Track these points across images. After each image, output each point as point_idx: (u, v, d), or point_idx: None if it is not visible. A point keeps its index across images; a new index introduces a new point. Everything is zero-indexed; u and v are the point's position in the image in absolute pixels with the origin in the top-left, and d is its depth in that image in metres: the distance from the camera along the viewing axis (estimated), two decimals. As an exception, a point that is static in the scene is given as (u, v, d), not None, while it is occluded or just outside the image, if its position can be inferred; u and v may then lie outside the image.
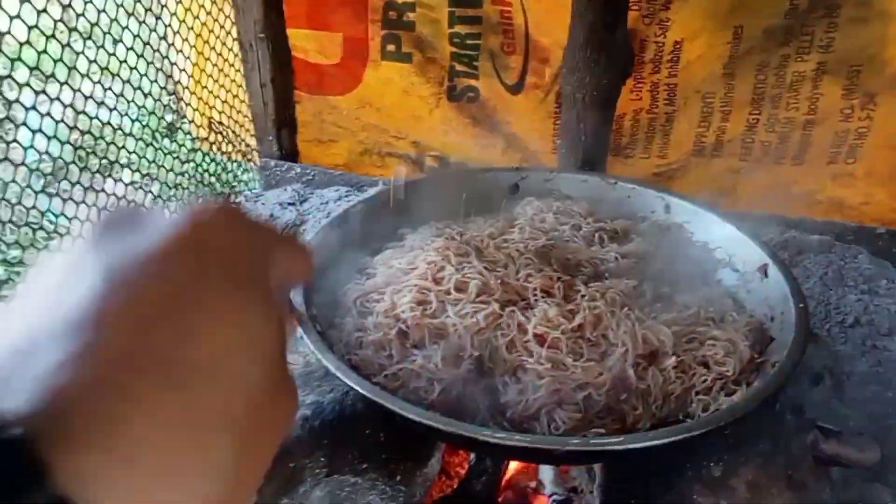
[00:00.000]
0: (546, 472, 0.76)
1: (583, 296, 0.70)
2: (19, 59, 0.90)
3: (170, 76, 1.21)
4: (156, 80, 1.14)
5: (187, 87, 1.27)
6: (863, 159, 1.15)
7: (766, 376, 0.62)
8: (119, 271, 0.21)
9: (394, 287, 0.70)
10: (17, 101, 0.88)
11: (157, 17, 1.15)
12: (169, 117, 1.31)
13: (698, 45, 1.18)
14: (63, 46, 0.94)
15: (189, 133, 1.30)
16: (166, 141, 1.24)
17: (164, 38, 1.18)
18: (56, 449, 0.17)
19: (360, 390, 0.56)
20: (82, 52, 0.99)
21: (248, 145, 1.38)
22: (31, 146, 0.92)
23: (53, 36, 0.92)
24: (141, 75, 1.11)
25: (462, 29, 1.28)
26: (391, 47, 1.33)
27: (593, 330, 0.65)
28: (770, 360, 0.65)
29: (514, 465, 0.78)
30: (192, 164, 1.21)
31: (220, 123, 1.32)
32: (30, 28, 0.88)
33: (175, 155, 1.20)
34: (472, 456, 0.78)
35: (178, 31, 1.19)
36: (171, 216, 0.23)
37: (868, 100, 1.12)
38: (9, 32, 0.87)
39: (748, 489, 0.66)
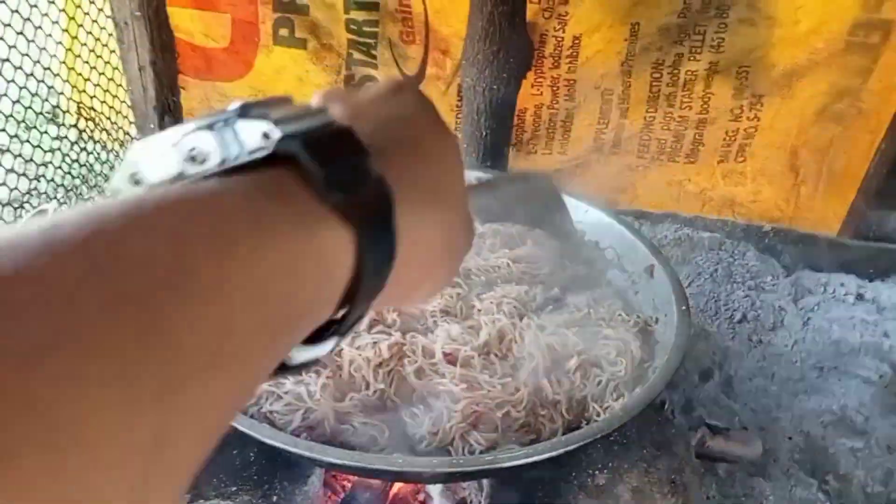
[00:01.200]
0: (434, 486, 0.73)
1: (479, 310, 0.67)
2: None
3: (37, 62, 1.09)
4: (20, 67, 1.02)
5: (58, 75, 1.15)
6: (752, 158, 1.18)
7: (647, 384, 0.61)
8: (421, 101, 0.30)
9: None
10: None
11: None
12: (52, 101, 1.18)
13: (597, 40, 1.18)
14: None
15: (55, 119, 1.17)
16: (50, 125, 1.12)
17: (29, 19, 1.06)
18: (380, 160, 0.23)
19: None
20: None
21: (126, 133, 1.27)
22: None
23: None
24: (22, 55, 0.99)
25: (358, 15, 1.22)
26: (284, 31, 1.25)
27: (499, 344, 0.63)
28: (653, 364, 0.64)
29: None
30: (58, 154, 1.09)
31: (92, 109, 1.20)
32: None
33: (63, 139, 1.08)
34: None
35: (45, 14, 1.07)
36: (405, 94, 0.30)
37: (756, 100, 1.15)
38: None
39: (632, 496, 0.65)
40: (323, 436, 0.55)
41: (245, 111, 0.21)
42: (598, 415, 0.60)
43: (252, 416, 0.55)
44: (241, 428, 0.50)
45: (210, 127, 0.21)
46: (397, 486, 0.75)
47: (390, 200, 0.23)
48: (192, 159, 0.20)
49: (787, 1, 1.08)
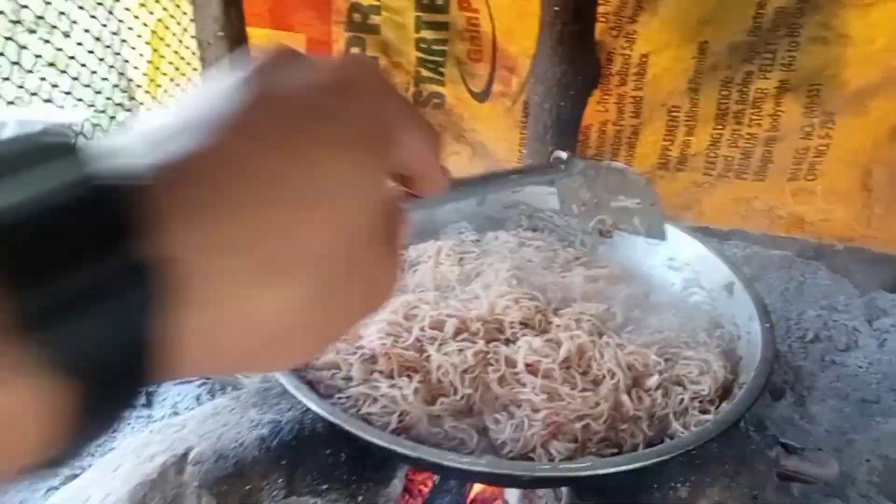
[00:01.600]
0: (512, 493, 0.74)
1: (557, 325, 0.69)
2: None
3: (122, 74, 1.16)
4: (107, 78, 1.09)
5: (141, 86, 1.21)
6: (822, 176, 1.17)
7: (734, 397, 0.61)
8: (270, 89, 0.21)
9: None
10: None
11: (110, 12, 1.09)
12: (121, 116, 1.25)
13: (664, 58, 1.19)
14: (5, 40, 0.89)
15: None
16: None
17: (117, 33, 1.13)
18: (167, 205, 0.17)
19: (324, 413, 0.53)
20: (25, 48, 0.93)
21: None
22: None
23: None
24: (92, 72, 1.05)
25: (428, 34, 1.26)
26: (356, 50, 1.30)
27: (579, 360, 0.64)
28: (738, 380, 0.64)
29: (478, 486, 0.76)
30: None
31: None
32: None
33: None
34: (437, 476, 0.76)
35: (131, 27, 1.14)
36: (326, 59, 0.24)
37: (828, 118, 1.14)
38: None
39: (715, 510, 0.66)
40: (417, 437, 0.57)
41: None
42: (683, 431, 0.61)
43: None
44: (348, 428, 0.53)
45: None
46: (475, 491, 0.77)
47: (157, 307, 0.16)
48: None
49: (862, 19, 1.07)
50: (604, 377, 0.64)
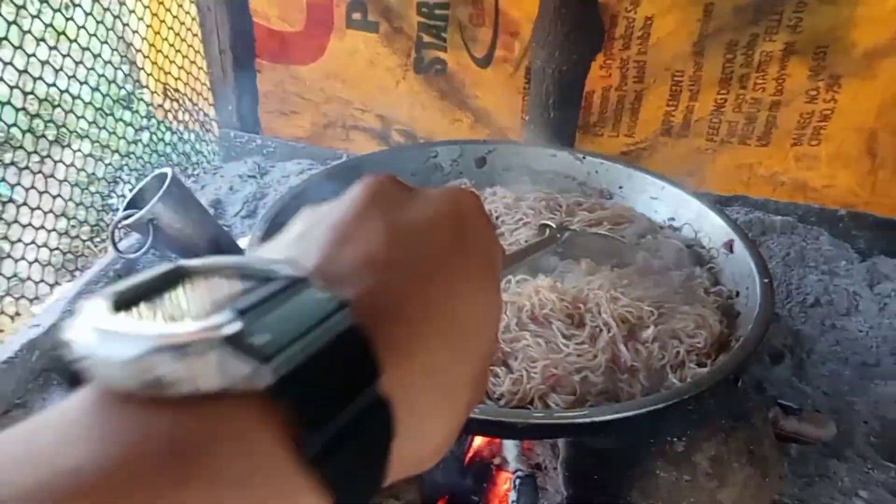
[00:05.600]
0: (509, 449, 0.75)
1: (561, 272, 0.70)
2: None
3: (127, 42, 1.15)
4: (116, 49, 1.08)
5: (141, 52, 1.21)
6: (827, 141, 1.16)
7: (730, 351, 0.61)
8: (400, 226, 0.22)
9: None
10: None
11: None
12: (128, 87, 1.24)
13: (669, 21, 1.17)
14: (17, 8, 0.88)
15: (143, 101, 1.24)
16: (126, 112, 1.18)
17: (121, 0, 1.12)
18: (381, 350, 0.18)
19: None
20: (37, 16, 0.92)
21: (206, 115, 1.33)
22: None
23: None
24: (101, 42, 1.05)
25: (430, -1, 1.24)
26: (357, 15, 1.28)
27: (576, 308, 0.65)
28: (735, 335, 0.65)
29: (477, 443, 0.76)
30: (147, 134, 1.15)
31: (177, 90, 1.26)
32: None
33: (135, 126, 1.15)
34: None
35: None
36: (434, 191, 0.25)
37: (834, 81, 1.12)
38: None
39: (710, 464, 0.66)
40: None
41: (234, 339, 0.16)
42: (679, 383, 0.61)
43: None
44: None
45: (184, 352, 0.15)
46: (474, 448, 0.77)
47: (390, 440, 0.18)
48: (151, 383, 0.15)
49: (873, -21, 1.05)
50: (600, 330, 0.64)
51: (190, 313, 0.17)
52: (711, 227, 0.78)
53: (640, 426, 0.65)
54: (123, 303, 0.17)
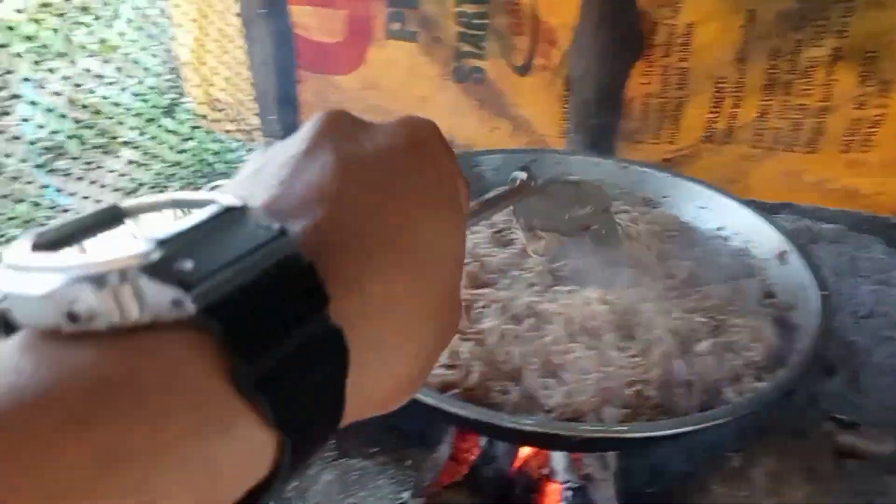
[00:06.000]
0: (559, 460, 0.74)
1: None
2: (13, 29, 0.86)
3: (169, 51, 1.18)
4: (158, 56, 1.11)
5: (186, 63, 1.23)
6: (878, 147, 1.13)
7: (789, 365, 0.60)
8: (351, 158, 0.22)
9: None
10: (12, 72, 0.85)
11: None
12: (170, 95, 1.27)
13: (711, 28, 1.16)
14: (62, 17, 0.91)
15: (190, 111, 1.26)
16: (168, 119, 1.21)
17: (165, 12, 1.15)
18: (331, 279, 0.18)
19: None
20: (82, 24, 0.95)
21: (249, 125, 1.35)
22: (30, 120, 0.89)
23: (50, 5, 0.88)
24: (142, 50, 1.08)
25: (469, 8, 1.25)
26: (396, 25, 1.29)
27: (627, 321, 0.64)
28: (794, 348, 0.63)
29: (525, 452, 0.76)
30: (193, 143, 1.17)
31: (222, 101, 1.28)
32: (26, -4, 0.85)
33: (177, 133, 1.17)
34: (483, 442, 0.76)
35: (178, 5, 1.15)
36: (390, 121, 0.24)
37: (884, 87, 1.10)
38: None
39: (768, 480, 0.65)
40: (474, 399, 0.57)
41: (153, 267, 0.15)
42: (736, 397, 0.60)
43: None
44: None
45: (100, 282, 0.15)
46: (522, 459, 0.77)
47: (344, 373, 0.18)
48: (72, 317, 0.15)
49: (924, -20, 1.03)
50: (653, 344, 0.63)
51: (114, 248, 0.16)
52: (763, 238, 0.76)
53: (698, 441, 0.64)
54: (50, 243, 0.17)
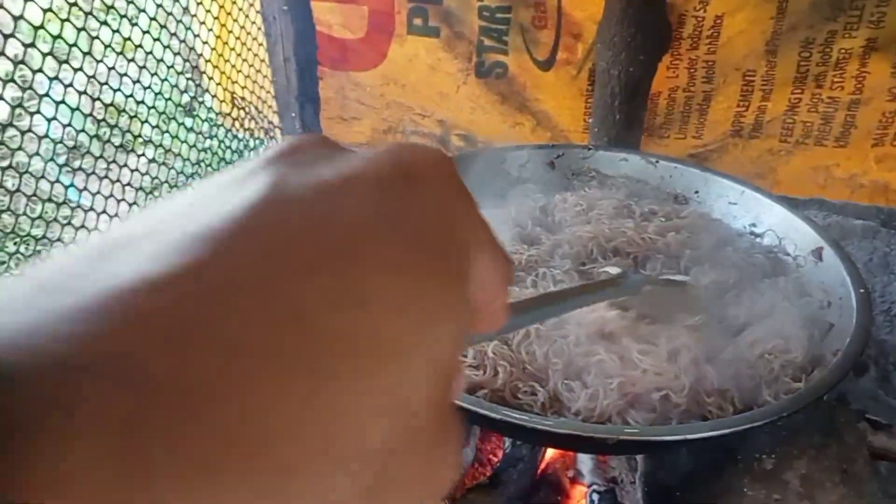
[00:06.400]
0: (585, 462, 0.73)
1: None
2: (42, 27, 0.87)
3: (192, 49, 1.18)
4: (178, 53, 1.11)
5: (209, 61, 1.23)
6: (912, 141, 1.10)
7: (827, 365, 0.58)
8: (288, 191, 0.14)
9: None
10: (40, 70, 0.85)
11: (180, -12, 1.11)
12: (190, 93, 1.27)
13: (740, 20, 1.13)
14: (85, 15, 0.91)
15: (211, 109, 1.26)
16: (188, 118, 1.21)
17: (187, 8, 1.15)
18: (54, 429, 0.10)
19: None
20: (104, 22, 0.96)
21: (270, 122, 1.35)
22: (55, 118, 0.90)
23: (75, 3, 0.88)
24: (164, 47, 1.08)
25: (491, 2, 1.24)
26: (418, 21, 1.28)
27: (646, 324, 0.63)
28: (830, 349, 0.61)
29: (550, 454, 0.75)
30: (215, 141, 1.17)
31: (243, 99, 1.28)
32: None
33: (197, 131, 1.17)
34: (507, 444, 0.76)
35: (200, 2, 1.15)
36: (373, 150, 0.16)
37: (920, 78, 1.07)
38: (30, -1, 0.84)
39: (801, 482, 0.63)
40: (502, 401, 0.56)
41: None
42: (773, 400, 0.58)
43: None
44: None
45: None
46: (547, 461, 0.76)
47: None
48: None
49: (963, -32, 1.00)
50: (679, 351, 0.61)
51: None
52: (797, 234, 0.74)
53: (727, 446, 0.63)
54: None
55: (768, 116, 1.18)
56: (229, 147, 1.22)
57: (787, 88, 1.15)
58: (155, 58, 1.09)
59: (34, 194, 0.90)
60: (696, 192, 0.85)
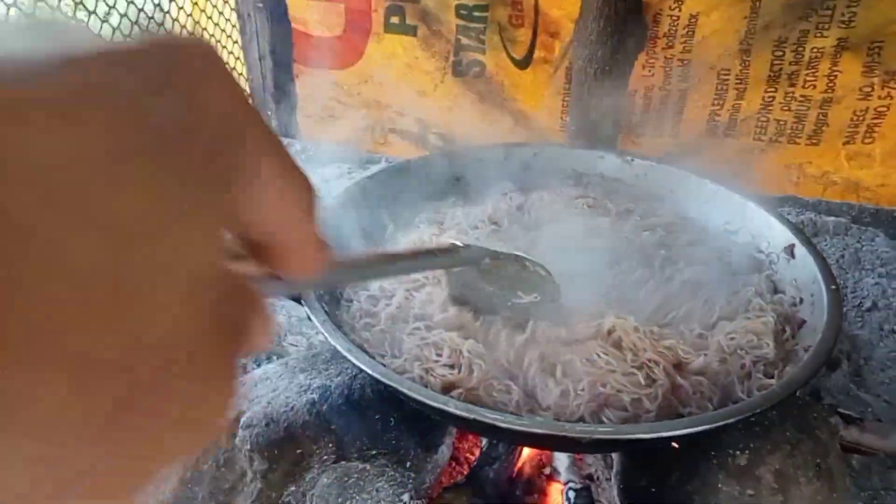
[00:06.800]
0: (561, 460, 0.73)
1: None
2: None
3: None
4: None
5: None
6: (882, 139, 1.12)
7: (799, 361, 0.59)
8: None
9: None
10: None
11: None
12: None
13: (714, 18, 1.14)
14: (52, 10, 0.89)
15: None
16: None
17: (159, 5, 1.13)
18: None
19: (377, 376, 0.53)
20: (72, 18, 0.94)
21: (245, 120, 1.33)
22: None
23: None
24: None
25: (469, 1, 1.23)
26: (395, 19, 1.28)
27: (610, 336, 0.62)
28: (802, 345, 0.62)
29: (527, 452, 0.75)
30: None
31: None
32: (17, -10, 0.84)
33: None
34: (484, 442, 0.75)
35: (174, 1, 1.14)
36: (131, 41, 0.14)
37: (889, 77, 1.08)
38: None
39: (775, 478, 0.64)
40: (477, 400, 0.56)
41: None
42: (746, 396, 0.59)
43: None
44: (402, 389, 0.52)
45: None
46: (523, 459, 0.76)
47: None
48: None
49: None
50: (648, 366, 0.60)
51: None
52: (770, 232, 0.75)
53: (700, 442, 0.63)
54: None
55: (742, 115, 1.19)
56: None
57: (761, 87, 1.17)
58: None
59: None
60: (672, 191, 0.86)
